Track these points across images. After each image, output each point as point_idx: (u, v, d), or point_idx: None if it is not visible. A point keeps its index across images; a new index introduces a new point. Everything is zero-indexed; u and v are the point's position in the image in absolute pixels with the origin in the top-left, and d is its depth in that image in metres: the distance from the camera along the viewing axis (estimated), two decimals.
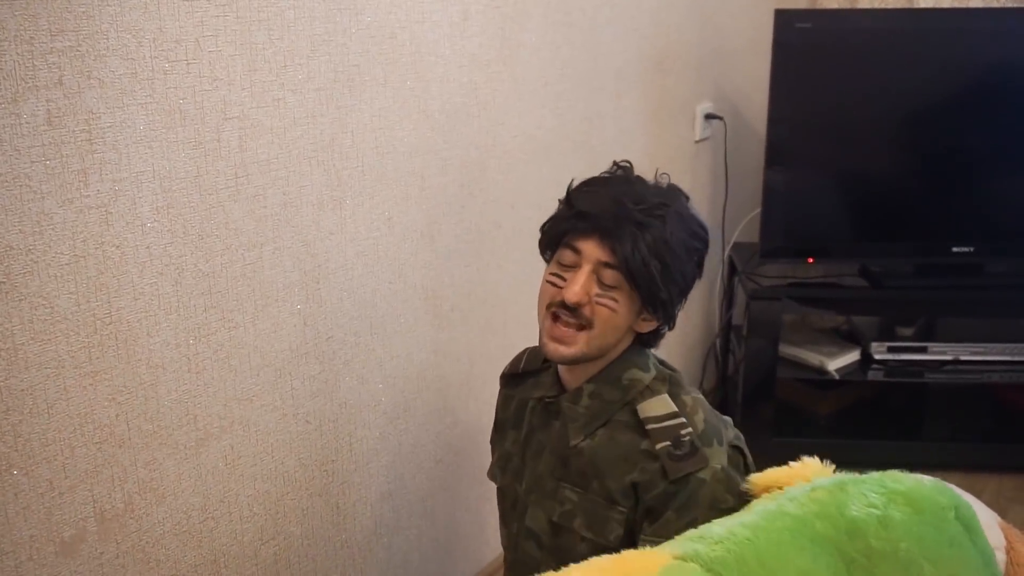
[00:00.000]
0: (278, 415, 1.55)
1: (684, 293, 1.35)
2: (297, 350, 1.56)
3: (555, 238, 1.37)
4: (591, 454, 1.36)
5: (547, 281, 1.36)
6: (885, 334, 2.94)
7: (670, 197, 1.35)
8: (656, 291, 1.30)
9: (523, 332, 2.13)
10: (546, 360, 1.47)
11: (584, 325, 1.32)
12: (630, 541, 1.34)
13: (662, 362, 1.44)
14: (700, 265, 1.38)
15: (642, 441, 1.34)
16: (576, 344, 1.33)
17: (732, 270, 3.02)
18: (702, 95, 2.88)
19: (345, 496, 1.72)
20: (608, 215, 1.30)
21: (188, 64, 1.31)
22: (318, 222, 1.56)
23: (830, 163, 2.75)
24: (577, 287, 1.30)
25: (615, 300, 1.31)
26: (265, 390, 1.52)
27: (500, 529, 1.56)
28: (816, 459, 1.35)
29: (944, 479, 1.64)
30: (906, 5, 3.01)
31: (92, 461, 1.28)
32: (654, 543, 1.26)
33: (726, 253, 3.07)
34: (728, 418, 1.42)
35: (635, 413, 1.36)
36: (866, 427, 2.94)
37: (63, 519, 1.25)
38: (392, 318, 1.77)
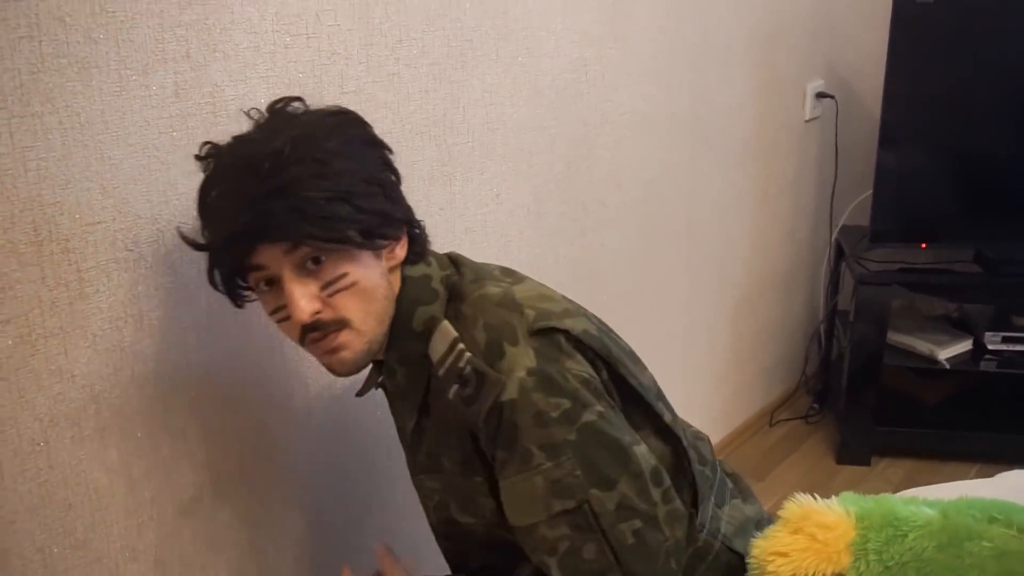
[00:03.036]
0: None
1: (386, 187, 1.08)
2: None
3: (231, 277, 1.07)
4: (431, 429, 1.14)
5: (278, 323, 1.08)
6: (1000, 323, 2.83)
7: (281, 126, 1.05)
8: (360, 226, 1.03)
9: (627, 309, 2.12)
10: None
11: (339, 328, 1.06)
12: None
13: (452, 259, 1.19)
14: (371, 142, 1.10)
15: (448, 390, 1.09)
16: (351, 343, 1.07)
17: (839, 254, 2.94)
18: (813, 72, 2.80)
19: None
20: (248, 215, 1.00)
21: (308, 38, 1.32)
22: (428, 196, 1.57)
23: (947, 144, 2.65)
24: (296, 301, 1.02)
25: (343, 275, 1.04)
26: None
27: None
28: (813, 502, 1.06)
29: None
30: None
31: (209, 425, 1.31)
32: (505, 490, 1.07)
33: (833, 236, 2.99)
34: (534, 286, 1.14)
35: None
36: (976, 418, 2.84)
37: (182, 481, 1.29)
38: None
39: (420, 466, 1.18)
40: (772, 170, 2.67)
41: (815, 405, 3.06)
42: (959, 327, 2.90)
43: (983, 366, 2.75)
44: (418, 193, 1.54)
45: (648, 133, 2.09)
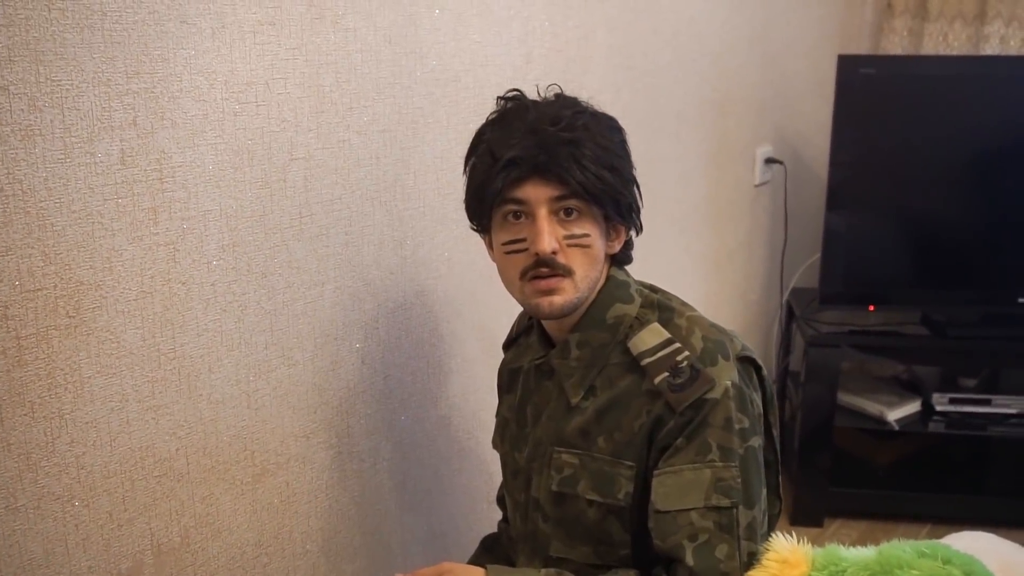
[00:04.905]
0: (334, 452, 1.56)
1: (637, 188, 1.28)
2: (354, 388, 1.57)
3: (489, 199, 1.22)
4: (595, 409, 1.26)
5: (506, 254, 1.24)
6: (947, 384, 2.88)
7: (575, 103, 1.25)
8: (620, 199, 1.22)
9: None
10: (529, 318, 1.40)
11: (564, 274, 1.21)
12: (643, 497, 1.24)
13: (646, 286, 1.35)
14: (629, 155, 1.29)
15: (641, 381, 1.24)
16: (566, 291, 1.22)
17: (790, 316, 2.98)
18: (762, 139, 2.86)
19: (397, 536, 1.72)
20: (536, 149, 1.18)
21: (257, 106, 1.33)
22: (379, 261, 1.57)
23: (892, 209, 2.71)
24: (545, 235, 1.19)
25: (586, 234, 1.21)
26: (322, 427, 1.53)
27: (505, 500, 1.48)
28: (786, 541, 1.19)
29: (1007, 536, 1.60)
30: (970, 52, 2.97)
31: (151, 494, 1.29)
32: (667, 476, 1.20)
33: (784, 298, 3.04)
34: (733, 329, 1.31)
35: (628, 351, 1.26)
36: (926, 479, 2.88)
37: (121, 551, 1.27)
38: (449, 357, 1.77)
39: (564, 440, 1.29)
40: (724, 234, 2.71)
41: None
42: (908, 388, 2.94)
43: (932, 427, 2.79)
44: (368, 258, 1.55)
45: None
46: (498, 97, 1.28)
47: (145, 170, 1.20)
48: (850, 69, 2.57)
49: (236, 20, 1.28)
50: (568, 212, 1.20)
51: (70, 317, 1.16)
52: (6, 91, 1.05)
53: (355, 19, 1.46)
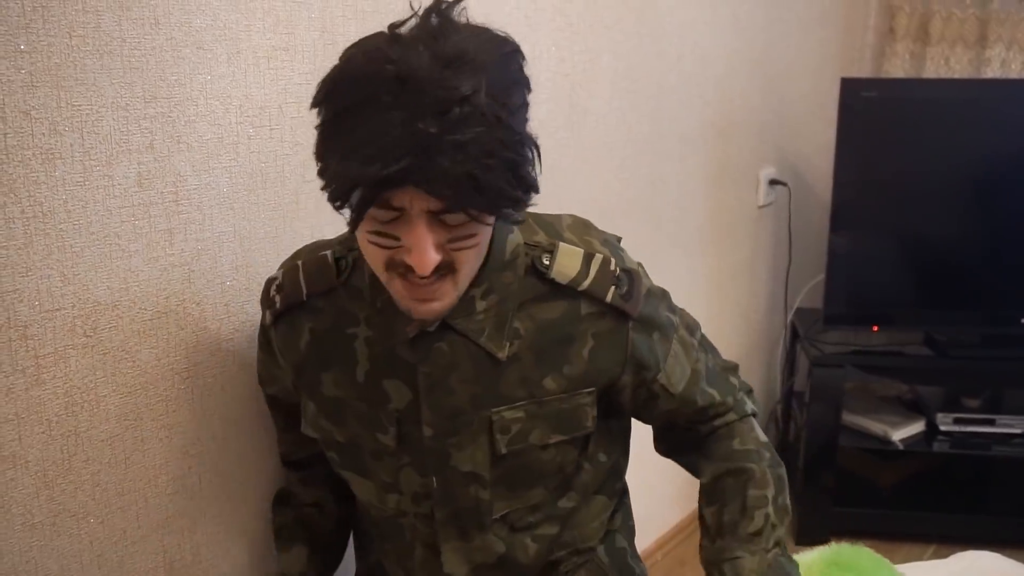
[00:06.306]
0: None
1: (532, 145, 0.98)
2: None
3: (357, 205, 0.97)
4: (532, 352, 1.16)
5: (370, 242, 1.02)
6: (951, 404, 2.89)
7: (462, 60, 0.92)
8: (516, 197, 0.98)
9: None
10: (339, 274, 1.19)
11: (446, 274, 1.03)
12: (607, 409, 1.24)
13: None
14: (524, 83, 1.01)
15: (579, 306, 1.16)
16: (446, 293, 1.04)
17: (794, 336, 3.00)
18: (765, 161, 2.89)
19: None
20: (414, 157, 0.91)
21: (271, 130, 1.36)
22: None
23: (895, 230, 2.73)
24: (425, 255, 0.98)
25: (473, 234, 1.01)
26: None
27: (364, 492, 1.27)
28: None
29: (1010, 556, 1.61)
30: (972, 75, 3.00)
31: (164, 512, 1.31)
32: (673, 359, 1.25)
33: (788, 319, 3.05)
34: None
35: (547, 281, 1.15)
36: (930, 499, 2.88)
37: (134, 568, 1.28)
38: None
39: (502, 398, 1.16)
40: (728, 255, 2.73)
41: None
42: (912, 408, 2.95)
43: (936, 447, 2.80)
44: None
45: (606, 221, 2.14)
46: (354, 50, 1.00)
47: (161, 192, 1.23)
48: (853, 92, 2.60)
49: (251, 46, 1.31)
50: (452, 219, 0.99)
51: (87, 336, 1.18)
52: (28, 115, 1.08)
53: None
